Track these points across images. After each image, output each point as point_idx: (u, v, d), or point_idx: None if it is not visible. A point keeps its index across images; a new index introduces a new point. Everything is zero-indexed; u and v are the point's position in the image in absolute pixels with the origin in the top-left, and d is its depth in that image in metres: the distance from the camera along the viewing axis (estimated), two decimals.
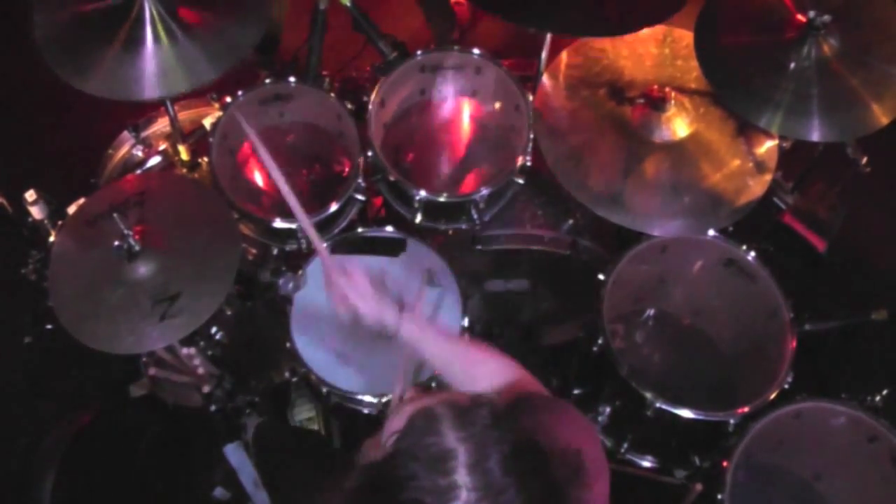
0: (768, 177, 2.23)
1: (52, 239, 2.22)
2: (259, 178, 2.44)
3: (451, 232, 2.35)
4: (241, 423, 2.33)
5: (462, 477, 1.03)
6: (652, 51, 2.38)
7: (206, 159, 2.39)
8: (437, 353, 1.56)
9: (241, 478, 2.27)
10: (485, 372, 1.48)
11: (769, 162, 2.24)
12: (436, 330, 1.63)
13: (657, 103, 2.24)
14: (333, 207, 2.19)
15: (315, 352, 2.09)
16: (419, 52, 2.35)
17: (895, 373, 2.40)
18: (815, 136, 2.01)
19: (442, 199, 2.22)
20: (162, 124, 2.55)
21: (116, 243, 1.90)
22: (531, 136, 2.25)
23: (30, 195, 2.18)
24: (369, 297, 1.60)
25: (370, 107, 2.26)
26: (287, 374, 2.33)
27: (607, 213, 2.19)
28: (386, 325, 1.58)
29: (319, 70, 2.42)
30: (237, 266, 1.97)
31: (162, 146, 2.49)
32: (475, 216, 2.28)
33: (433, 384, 2.00)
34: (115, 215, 1.86)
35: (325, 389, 2.06)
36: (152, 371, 2.30)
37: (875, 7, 2.11)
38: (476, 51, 2.36)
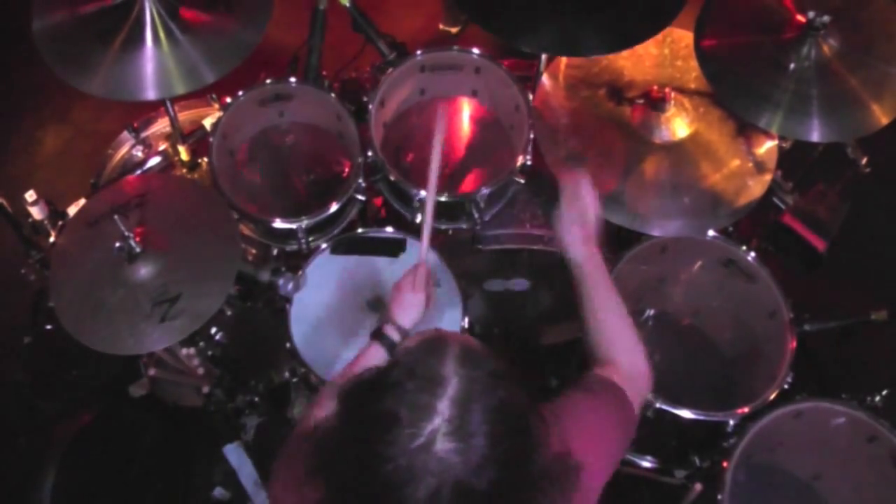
0: (768, 177, 2.23)
1: (52, 239, 2.22)
2: (259, 179, 2.44)
3: (450, 232, 2.35)
4: (240, 423, 2.33)
5: (443, 404, 1.06)
6: (652, 51, 2.38)
7: (206, 159, 2.39)
8: (601, 294, 1.58)
9: (241, 478, 2.27)
10: (622, 348, 1.53)
11: (769, 162, 2.24)
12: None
13: (657, 103, 2.24)
14: (333, 207, 2.19)
15: (315, 352, 2.09)
16: (419, 52, 2.35)
17: (895, 373, 2.40)
18: (815, 137, 2.01)
19: (442, 199, 2.22)
20: (162, 124, 2.56)
21: (117, 245, 1.90)
22: (531, 136, 2.25)
23: (30, 195, 2.18)
24: None
25: (370, 107, 2.26)
26: (287, 374, 2.34)
27: (607, 213, 2.17)
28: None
29: (319, 70, 2.42)
30: (237, 267, 1.97)
31: (162, 146, 2.49)
32: (475, 216, 2.28)
33: None
34: (115, 217, 1.86)
35: None
36: (152, 371, 2.31)
37: (875, 7, 2.11)
38: (476, 51, 2.36)
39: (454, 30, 3.51)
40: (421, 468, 1.03)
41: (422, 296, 1.69)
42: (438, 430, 1.04)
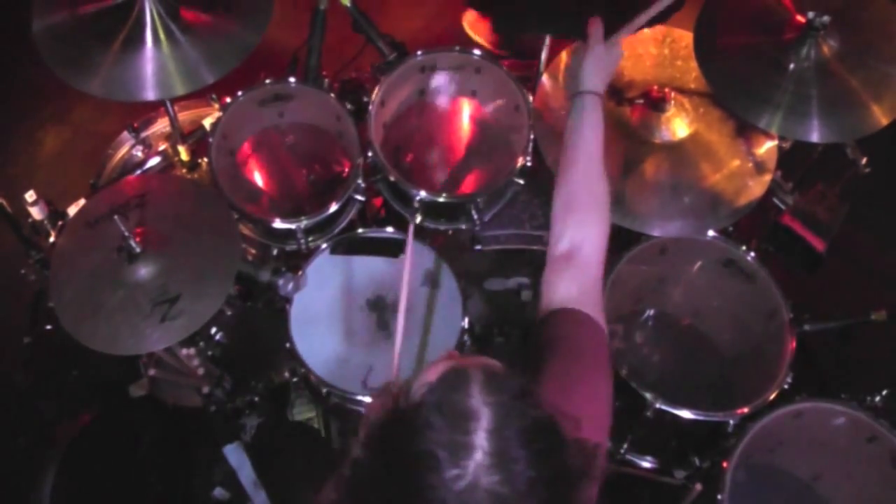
0: (768, 177, 2.22)
1: (52, 239, 2.22)
2: (259, 179, 2.44)
3: (450, 232, 2.35)
4: (240, 424, 2.33)
5: (480, 439, 1.03)
6: (651, 51, 2.38)
7: (205, 160, 2.39)
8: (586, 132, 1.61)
9: (241, 478, 2.27)
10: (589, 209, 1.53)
11: (769, 162, 2.23)
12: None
13: (657, 104, 2.24)
14: (333, 208, 2.19)
15: (315, 352, 2.09)
16: (419, 53, 2.35)
17: (895, 373, 2.40)
18: (815, 137, 2.01)
19: (441, 200, 2.22)
20: (162, 125, 2.56)
21: (117, 245, 1.90)
22: (531, 136, 2.25)
23: (30, 195, 2.18)
24: None
25: (370, 107, 2.26)
26: (287, 375, 2.34)
27: None
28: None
29: (319, 70, 2.42)
30: (237, 267, 1.97)
31: (162, 147, 2.50)
32: (475, 216, 2.28)
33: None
34: (115, 217, 1.86)
35: (324, 389, 2.06)
36: (152, 372, 2.31)
37: (875, 7, 2.11)
38: (476, 51, 2.36)
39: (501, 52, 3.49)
40: None
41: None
42: (481, 464, 1.02)
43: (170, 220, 2.01)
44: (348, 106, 2.32)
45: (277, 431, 2.37)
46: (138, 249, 1.90)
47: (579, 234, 1.53)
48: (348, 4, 2.38)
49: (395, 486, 1.06)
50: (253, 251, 2.37)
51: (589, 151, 1.58)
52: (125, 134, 2.55)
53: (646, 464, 2.31)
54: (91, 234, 1.98)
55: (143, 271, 1.91)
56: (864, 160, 2.19)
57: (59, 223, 2.22)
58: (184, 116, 2.49)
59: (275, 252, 2.31)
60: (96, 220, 1.99)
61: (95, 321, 1.88)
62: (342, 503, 1.14)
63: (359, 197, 2.26)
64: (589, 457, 1.13)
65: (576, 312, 1.43)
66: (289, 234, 2.23)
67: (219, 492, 2.38)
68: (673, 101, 2.24)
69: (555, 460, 1.07)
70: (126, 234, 1.86)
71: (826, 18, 1.98)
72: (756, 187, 2.21)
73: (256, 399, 2.36)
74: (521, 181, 2.26)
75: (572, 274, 1.50)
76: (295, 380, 2.30)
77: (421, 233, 2.26)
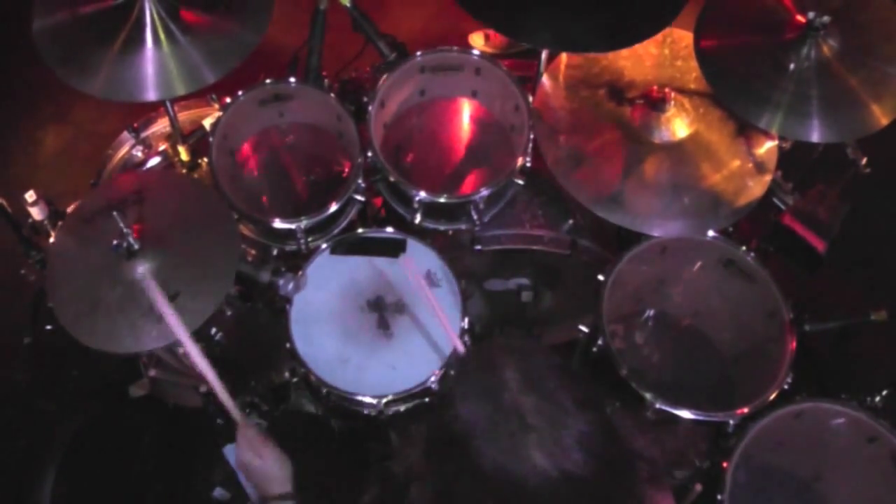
0: (768, 177, 2.23)
1: (52, 239, 2.22)
2: (259, 179, 2.44)
3: (450, 232, 2.35)
4: None
5: (509, 373, 1.07)
6: (651, 51, 2.38)
7: (205, 160, 2.39)
8: None
9: (241, 478, 2.26)
10: None
11: (769, 162, 2.24)
12: None
13: (657, 104, 2.24)
14: (333, 208, 2.19)
15: (315, 352, 2.09)
16: (419, 53, 2.35)
17: (895, 373, 2.40)
18: (815, 137, 2.01)
19: (442, 200, 2.22)
20: (162, 125, 2.55)
21: (115, 242, 1.89)
22: (531, 136, 2.25)
23: (30, 195, 2.18)
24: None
25: (370, 107, 2.26)
26: (287, 375, 2.33)
27: (607, 213, 2.18)
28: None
29: (319, 70, 2.42)
30: (237, 266, 1.97)
31: (162, 147, 2.49)
32: (475, 217, 2.28)
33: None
34: (113, 213, 1.86)
35: (325, 390, 2.06)
36: (152, 372, 2.31)
37: (875, 7, 2.11)
38: (476, 51, 2.36)
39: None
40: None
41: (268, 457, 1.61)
42: (515, 391, 1.06)
43: (169, 217, 2.01)
44: (348, 106, 2.32)
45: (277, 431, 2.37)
46: (136, 246, 1.89)
47: None
48: (348, 4, 2.38)
49: (447, 459, 1.09)
50: (253, 251, 2.37)
51: None
52: (125, 134, 2.55)
53: None
54: (89, 231, 1.97)
55: (142, 269, 1.91)
56: (864, 160, 2.19)
57: (59, 223, 2.21)
58: (184, 116, 2.49)
59: (275, 252, 2.31)
60: (93, 216, 1.98)
61: (94, 319, 1.88)
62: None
63: (359, 197, 2.26)
64: (652, 475, 1.14)
65: None
66: (289, 234, 2.23)
67: (219, 492, 2.37)
68: (673, 101, 2.24)
69: (584, 382, 1.10)
70: (124, 230, 1.86)
71: (826, 18, 1.98)
72: (756, 187, 2.21)
73: (256, 399, 2.36)
74: (521, 181, 2.26)
75: None
76: (295, 380, 2.30)
77: (421, 233, 2.26)
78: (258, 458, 1.57)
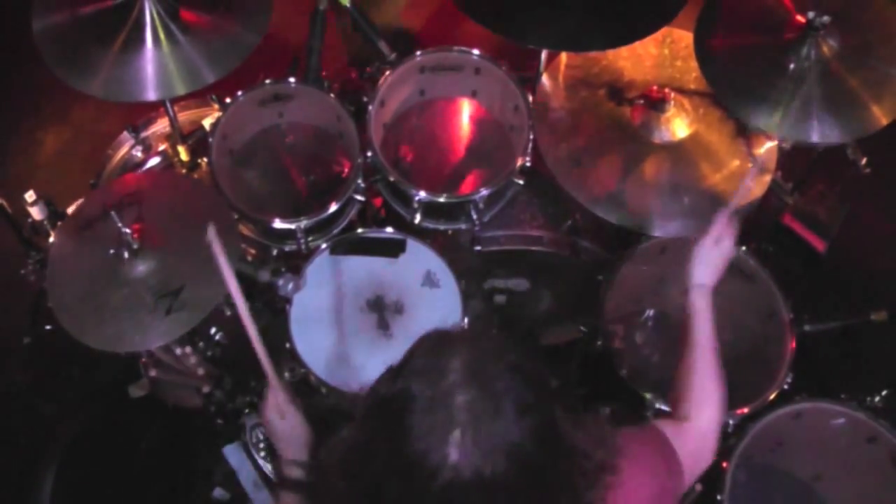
0: (768, 177, 2.23)
1: (52, 239, 2.22)
2: (259, 179, 2.44)
3: (450, 232, 2.35)
4: (240, 424, 2.33)
5: (454, 364, 1.07)
6: (651, 51, 2.38)
7: (205, 160, 2.39)
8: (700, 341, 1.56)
9: (241, 478, 2.27)
10: (706, 404, 1.49)
11: (769, 162, 2.23)
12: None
13: (657, 104, 2.24)
14: (333, 208, 2.19)
15: (315, 352, 2.09)
16: (419, 53, 2.34)
17: (895, 373, 2.40)
18: (815, 138, 2.01)
19: (441, 200, 2.22)
20: (161, 125, 2.55)
21: (115, 242, 1.89)
22: (531, 136, 2.25)
23: (30, 195, 2.18)
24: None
25: (370, 107, 2.26)
26: (287, 375, 2.33)
27: (607, 213, 2.18)
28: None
29: (319, 71, 2.42)
30: (236, 266, 1.97)
31: (161, 147, 2.49)
32: (475, 217, 2.28)
33: None
34: (112, 213, 1.86)
35: (324, 390, 2.06)
36: (153, 372, 2.30)
37: (875, 7, 2.11)
38: (476, 51, 2.36)
39: None
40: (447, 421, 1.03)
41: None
42: (454, 382, 1.05)
43: (168, 216, 2.01)
44: (348, 106, 2.32)
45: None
46: (136, 245, 1.89)
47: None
48: (348, 5, 2.38)
49: (380, 434, 1.09)
50: (253, 251, 2.37)
51: (701, 343, 1.56)
52: (125, 134, 2.55)
53: None
54: (88, 232, 1.98)
55: (142, 267, 1.91)
56: (864, 160, 2.19)
57: (59, 224, 2.22)
58: (184, 116, 2.49)
59: (275, 252, 2.31)
60: (93, 218, 1.98)
61: (99, 321, 1.88)
62: (343, 463, 1.16)
63: (359, 197, 2.26)
64: (594, 467, 1.12)
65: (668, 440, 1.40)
66: (289, 234, 2.23)
67: (219, 492, 2.37)
68: (673, 102, 2.24)
69: (539, 387, 1.09)
70: (123, 229, 1.86)
71: (826, 18, 1.98)
72: (756, 187, 2.21)
73: (256, 399, 2.36)
74: (521, 181, 2.26)
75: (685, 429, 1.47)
76: (295, 380, 2.30)
77: (421, 233, 2.26)
78: (281, 418, 1.58)
